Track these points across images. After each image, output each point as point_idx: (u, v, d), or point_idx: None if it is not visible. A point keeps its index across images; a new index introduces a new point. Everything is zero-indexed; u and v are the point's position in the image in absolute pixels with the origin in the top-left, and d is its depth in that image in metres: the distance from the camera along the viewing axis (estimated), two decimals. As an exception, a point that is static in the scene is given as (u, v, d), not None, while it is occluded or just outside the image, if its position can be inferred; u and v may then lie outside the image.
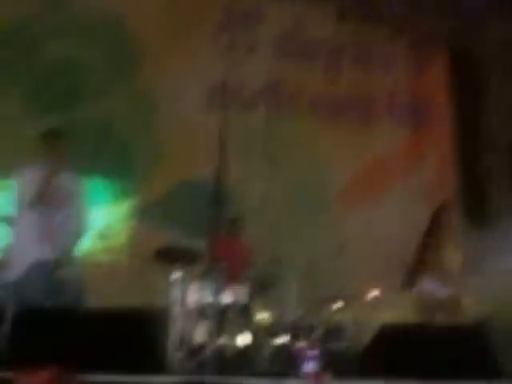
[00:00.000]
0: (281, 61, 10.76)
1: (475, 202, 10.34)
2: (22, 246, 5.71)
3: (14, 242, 5.83)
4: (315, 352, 2.50)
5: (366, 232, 9.93)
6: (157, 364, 5.06)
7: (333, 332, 7.81)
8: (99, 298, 7.76)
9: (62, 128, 6.22)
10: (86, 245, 6.71)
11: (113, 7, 9.79)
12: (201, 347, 6.48)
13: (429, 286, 7.22)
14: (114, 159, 9.51)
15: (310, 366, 2.50)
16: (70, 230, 5.84)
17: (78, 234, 5.98)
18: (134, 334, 5.10)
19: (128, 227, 9.54)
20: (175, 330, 5.88)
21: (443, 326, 6.89)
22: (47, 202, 5.74)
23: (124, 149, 9.58)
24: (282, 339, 7.57)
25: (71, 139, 9.00)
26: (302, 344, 2.29)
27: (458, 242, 7.27)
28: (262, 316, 6.76)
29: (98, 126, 9.37)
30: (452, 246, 7.24)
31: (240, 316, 7.48)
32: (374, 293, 8.99)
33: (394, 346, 5.75)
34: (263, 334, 6.60)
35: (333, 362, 6.46)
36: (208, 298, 6.40)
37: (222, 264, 6.73)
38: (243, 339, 7.42)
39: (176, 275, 6.15)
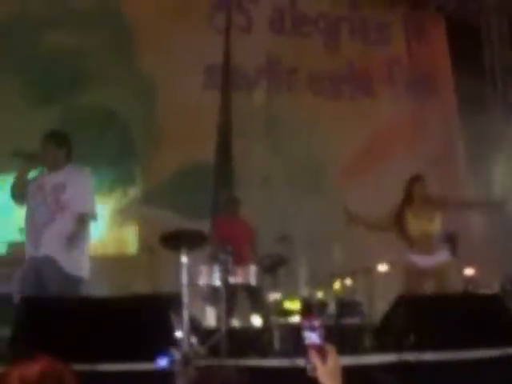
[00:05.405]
0: (278, 38, 10.68)
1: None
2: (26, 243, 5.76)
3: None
4: (317, 322, 2.37)
5: (371, 204, 9.84)
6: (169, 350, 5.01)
7: (346, 307, 7.76)
8: (110, 287, 7.79)
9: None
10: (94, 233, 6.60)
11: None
12: (213, 331, 6.43)
13: (411, 257, 7.15)
14: (117, 145, 9.45)
15: (311, 338, 2.37)
16: (56, 228, 5.66)
17: (70, 231, 5.67)
18: (146, 321, 5.06)
19: (133, 213, 9.49)
20: (186, 315, 5.81)
21: (458, 296, 6.83)
22: (30, 200, 5.72)
23: (126, 134, 9.54)
24: (294, 318, 7.52)
25: (74, 127, 9.06)
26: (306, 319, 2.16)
27: (433, 213, 7.17)
28: (273, 296, 6.69)
29: (99, 113, 9.33)
30: (427, 217, 7.16)
31: (250, 297, 7.43)
32: (384, 265, 8.94)
33: (410, 318, 5.71)
34: (275, 314, 6.53)
35: (347, 338, 6.44)
36: (217, 280, 6.33)
37: (229, 245, 6.64)
38: (255, 320, 7.38)
39: (183, 259, 6.05)
